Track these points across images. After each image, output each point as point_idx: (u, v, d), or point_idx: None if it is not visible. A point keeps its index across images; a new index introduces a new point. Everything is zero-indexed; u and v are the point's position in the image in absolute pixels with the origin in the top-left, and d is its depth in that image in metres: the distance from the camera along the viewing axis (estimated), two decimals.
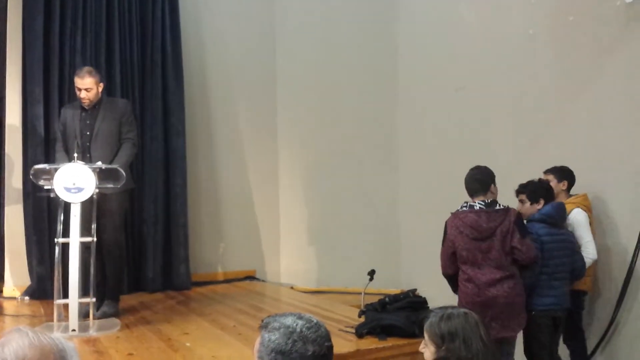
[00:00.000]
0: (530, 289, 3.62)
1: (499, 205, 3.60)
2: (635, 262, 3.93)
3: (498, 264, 3.48)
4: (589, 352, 4.15)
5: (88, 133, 4.43)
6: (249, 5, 6.64)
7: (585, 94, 4.36)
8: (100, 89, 4.47)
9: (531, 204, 3.80)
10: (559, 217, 3.78)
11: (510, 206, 3.68)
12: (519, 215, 3.58)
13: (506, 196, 4.53)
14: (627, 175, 4.04)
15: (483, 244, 3.50)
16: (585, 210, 3.97)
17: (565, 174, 4.13)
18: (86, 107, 4.44)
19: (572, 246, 3.79)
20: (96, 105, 4.47)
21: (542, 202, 3.77)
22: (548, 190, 3.84)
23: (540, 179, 3.99)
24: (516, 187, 3.95)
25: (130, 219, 5.59)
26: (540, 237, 3.64)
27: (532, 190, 3.82)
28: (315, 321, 1.71)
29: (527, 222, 3.73)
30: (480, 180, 3.67)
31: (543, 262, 3.61)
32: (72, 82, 5.39)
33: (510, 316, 3.48)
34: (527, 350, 3.73)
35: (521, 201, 3.85)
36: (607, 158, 4.17)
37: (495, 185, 3.82)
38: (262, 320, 1.73)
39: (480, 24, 5.32)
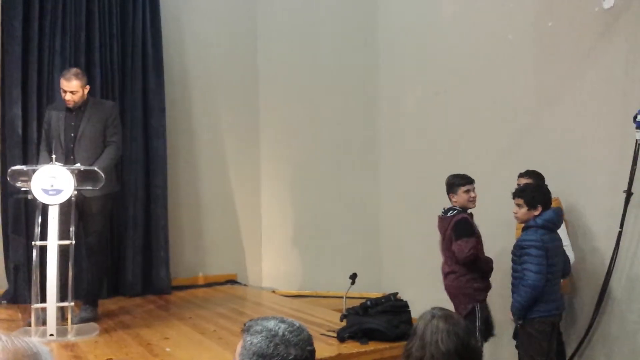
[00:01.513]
0: (536, 296, 3.57)
1: (452, 211, 4.03)
2: (612, 267, 3.98)
3: (445, 260, 4.10)
4: (567, 355, 4.19)
5: (72, 135, 4.37)
6: (230, 6, 6.62)
7: (564, 99, 4.41)
8: (86, 92, 4.42)
9: (528, 209, 3.65)
10: (558, 223, 3.73)
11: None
12: (457, 221, 3.95)
13: (486, 199, 4.57)
14: (604, 180, 4.09)
15: (442, 243, 4.12)
16: None
17: (542, 178, 4.16)
18: (71, 109, 4.39)
19: (563, 250, 3.80)
20: (81, 106, 4.42)
21: (539, 208, 3.64)
22: (546, 195, 3.74)
23: (539, 184, 3.98)
24: (513, 190, 3.85)
25: (110, 222, 5.52)
26: (546, 244, 3.58)
27: (532, 195, 3.67)
28: (297, 325, 1.71)
29: (526, 228, 3.65)
30: (446, 186, 4.16)
31: (548, 268, 3.59)
32: (50, 83, 5.37)
33: (455, 304, 4.00)
34: (526, 357, 3.69)
35: (518, 205, 3.70)
36: (584, 163, 4.23)
37: (465, 191, 4.05)
38: (245, 324, 1.72)
39: (460, 29, 5.37)
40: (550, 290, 3.64)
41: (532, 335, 3.63)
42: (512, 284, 3.73)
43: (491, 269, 4.08)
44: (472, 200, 4.07)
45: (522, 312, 3.61)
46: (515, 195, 3.75)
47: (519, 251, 3.67)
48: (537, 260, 3.55)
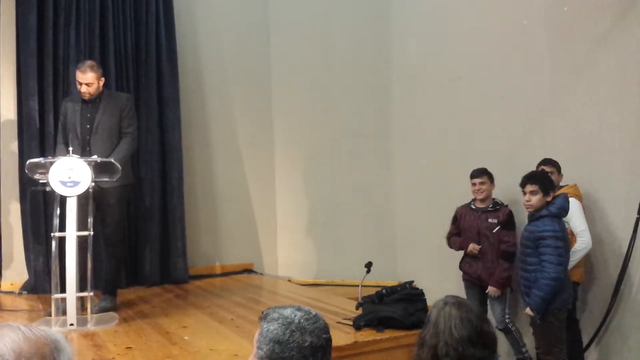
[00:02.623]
0: (558, 288, 3.55)
1: None
2: (630, 254, 3.94)
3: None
4: (584, 343, 4.17)
5: (88, 126, 4.41)
6: None
7: (580, 85, 4.36)
8: (101, 84, 4.45)
9: (543, 195, 3.58)
10: (567, 211, 3.69)
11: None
12: None
13: (500, 187, 4.57)
14: (621, 166, 4.04)
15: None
16: (577, 200, 3.98)
17: (558, 166, 4.14)
18: (87, 101, 4.43)
19: None
20: (97, 98, 4.45)
21: (551, 195, 3.60)
22: (552, 181, 3.73)
23: (542, 169, 3.94)
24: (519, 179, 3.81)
25: (127, 213, 5.58)
26: (563, 233, 3.56)
27: (545, 182, 3.61)
28: (314, 313, 1.73)
29: (537, 218, 3.60)
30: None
31: (566, 259, 3.58)
32: (66, 76, 5.42)
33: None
34: (545, 346, 3.63)
35: (532, 192, 3.59)
36: (601, 149, 4.18)
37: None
38: (262, 312, 1.76)
39: (474, 15, 5.32)
40: (566, 278, 3.62)
41: (552, 325, 3.58)
42: (525, 278, 3.64)
43: None
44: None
45: (544, 307, 3.51)
46: (529, 181, 3.61)
47: (534, 242, 3.56)
48: (558, 251, 3.48)
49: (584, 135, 4.30)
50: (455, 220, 4.68)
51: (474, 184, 4.49)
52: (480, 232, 4.45)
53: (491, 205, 4.46)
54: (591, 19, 4.26)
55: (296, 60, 6.60)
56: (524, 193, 3.64)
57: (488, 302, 4.46)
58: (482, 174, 4.47)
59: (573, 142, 4.35)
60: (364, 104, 6.43)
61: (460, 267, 4.63)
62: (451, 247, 4.72)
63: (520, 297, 4.03)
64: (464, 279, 4.62)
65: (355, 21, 6.44)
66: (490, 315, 4.40)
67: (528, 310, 3.60)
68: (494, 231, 4.37)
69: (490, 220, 4.41)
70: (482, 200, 4.49)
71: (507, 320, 4.33)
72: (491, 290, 4.33)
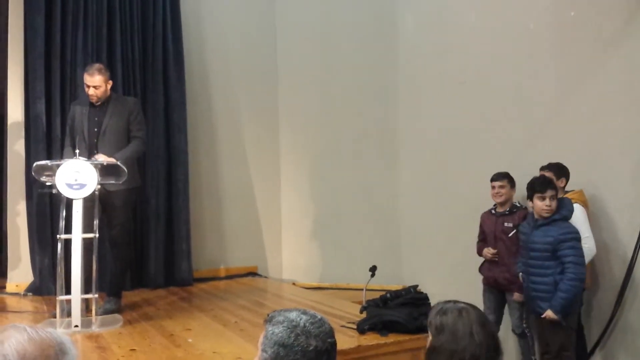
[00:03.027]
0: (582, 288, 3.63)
1: None
2: (635, 259, 3.93)
3: None
4: (588, 349, 4.16)
5: (96, 130, 4.43)
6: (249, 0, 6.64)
7: (586, 89, 4.35)
8: (109, 87, 4.47)
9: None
10: (572, 212, 3.76)
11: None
12: None
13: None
14: (627, 171, 4.03)
15: None
16: (583, 206, 3.97)
17: (563, 171, 4.13)
18: (95, 104, 4.45)
19: None
20: (105, 102, 4.47)
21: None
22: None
23: (543, 176, 3.96)
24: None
25: (133, 215, 5.60)
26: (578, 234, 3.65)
27: (555, 187, 3.72)
28: (319, 317, 1.73)
29: (548, 223, 3.68)
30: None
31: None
32: (73, 79, 5.44)
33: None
34: (556, 350, 3.66)
35: (551, 197, 3.67)
36: (607, 153, 4.17)
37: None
38: (268, 315, 1.76)
39: (481, 18, 5.32)
40: None
41: (569, 328, 3.63)
42: (541, 283, 3.67)
43: None
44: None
45: (568, 309, 3.56)
46: (546, 187, 3.68)
47: (553, 246, 3.60)
48: (579, 252, 3.58)
49: (589, 140, 4.28)
50: (481, 225, 4.65)
51: (493, 187, 4.42)
52: (496, 236, 4.41)
53: (508, 209, 4.41)
54: (597, 24, 4.25)
55: (302, 62, 6.61)
56: (543, 198, 3.67)
57: (507, 307, 4.45)
58: (502, 177, 4.41)
59: (578, 147, 4.33)
60: (370, 106, 6.42)
61: (480, 271, 4.59)
62: (477, 253, 4.66)
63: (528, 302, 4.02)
64: (484, 283, 4.56)
65: (361, 22, 6.44)
66: (507, 320, 4.43)
67: (549, 313, 3.59)
68: (510, 235, 4.32)
69: (506, 224, 4.35)
70: (501, 205, 4.44)
71: (524, 326, 4.31)
72: (517, 296, 4.25)
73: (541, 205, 3.68)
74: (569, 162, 4.18)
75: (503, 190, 4.40)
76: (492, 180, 4.44)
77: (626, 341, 4.03)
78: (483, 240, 4.58)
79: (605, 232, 4.14)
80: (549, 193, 3.66)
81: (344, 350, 3.38)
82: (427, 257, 5.94)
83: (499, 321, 4.43)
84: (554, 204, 3.66)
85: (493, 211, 4.50)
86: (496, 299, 4.47)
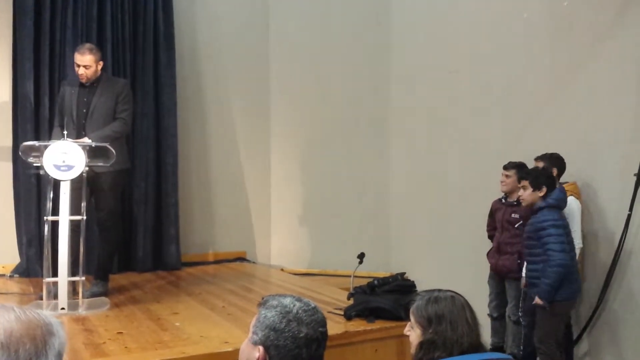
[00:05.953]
0: (564, 274, 3.65)
1: None
2: (621, 250, 3.98)
3: None
4: (574, 336, 4.21)
5: (84, 110, 4.38)
6: None
7: (579, 79, 4.36)
8: (99, 67, 4.41)
9: (533, 190, 3.77)
10: (566, 201, 3.83)
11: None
12: None
13: (498, 180, 4.58)
14: (616, 162, 4.07)
15: None
16: (576, 199, 4.02)
17: (555, 161, 4.14)
18: (84, 84, 4.40)
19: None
20: (95, 82, 4.42)
21: (544, 189, 3.74)
22: (549, 177, 3.85)
23: (543, 167, 4.01)
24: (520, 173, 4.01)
25: (121, 198, 5.56)
26: (563, 222, 3.70)
27: (535, 176, 3.80)
28: (313, 305, 1.74)
29: (535, 211, 3.76)
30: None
31: (569, 246, 3.69)
32: (62, 59, 5.37)
33: None
34: (541, 335, 3.73)
35: (523, 187, 3.83)
36: (597, 144, 4.19)
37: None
38: (262, 298, 1.77)
39: (475, 7, 5.30)
40: (573, 269, 3.71)
41: (556, 316, 3.70)
42: (533, 269, 3.76)
43: None
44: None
45: (552, 295, 3.63)
46: (521, 177, 3.88)
47: (536, 233, 3.69)
48: (559, 238, 3.63)
49: (582, 129, 4.31)
50: (491, 214, 4.67)
51: (502, 175, 4.50)
52: (503, 225, 4.46)
53: (516, 200, 4.43)
54: (592, 14, 4.25)
55: (295, 48, 6.57)
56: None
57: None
58: (511, 167, 4.44)
59: (571, 137, 4.35)
60: (362, 94, 6.41)
61: (487, 257, 4.65)
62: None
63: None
64: (490, 269, 4.64)
65: (354, 11, 6.41)
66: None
67: (537, 300, 3.69)
68: (516, 226, 4.34)
69: (513, 215, 4.39)
70: (510, 194, 4.47)
71: (519, 313, 4.35)
72: (524, 285, 4.23)
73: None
74: (562, 152, 4.20)
75: (508, 180, 4.43)
76: (504, 168, 4.49)
77: (611, 329, 4.08)
78: (494, 228, 4.62)
79: (596, 222, 4.19)
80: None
81: (331, 336, 3.35)
82: (415, 246, 5.97)
83: (503, 305, 4.52)
84: (526, 193, 3.80)
85: (503, 200, 4.54)
86: (498, 285, 4.56)
